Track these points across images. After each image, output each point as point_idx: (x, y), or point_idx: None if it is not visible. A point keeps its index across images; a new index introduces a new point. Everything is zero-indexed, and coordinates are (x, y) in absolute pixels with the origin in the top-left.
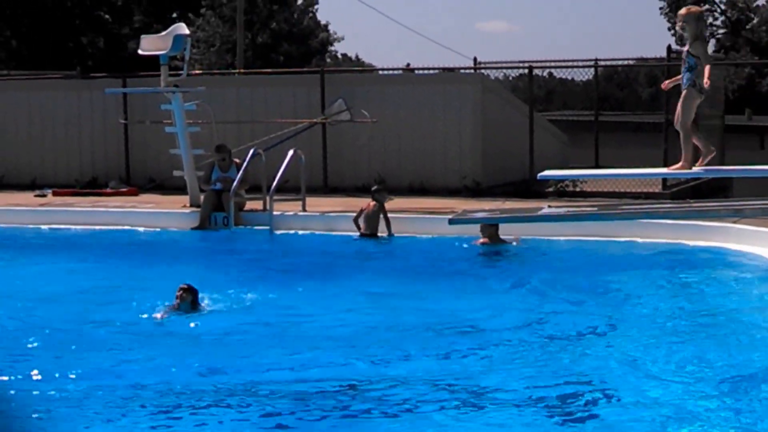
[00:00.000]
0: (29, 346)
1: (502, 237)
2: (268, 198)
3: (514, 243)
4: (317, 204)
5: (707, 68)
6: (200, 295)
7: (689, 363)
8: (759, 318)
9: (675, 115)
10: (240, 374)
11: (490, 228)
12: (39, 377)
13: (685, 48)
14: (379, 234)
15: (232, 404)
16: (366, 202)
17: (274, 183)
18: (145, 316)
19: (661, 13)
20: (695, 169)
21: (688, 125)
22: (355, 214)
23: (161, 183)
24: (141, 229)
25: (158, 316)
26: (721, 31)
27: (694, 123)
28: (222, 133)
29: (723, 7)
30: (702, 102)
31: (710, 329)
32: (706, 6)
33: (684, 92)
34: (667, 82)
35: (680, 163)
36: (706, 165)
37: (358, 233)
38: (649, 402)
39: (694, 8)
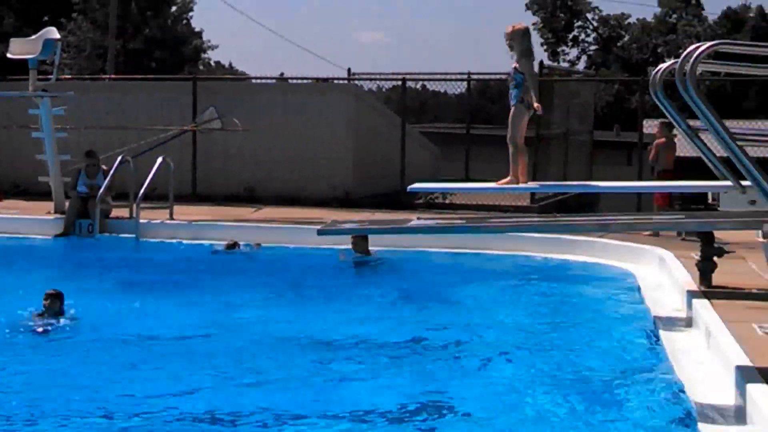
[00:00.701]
0: None
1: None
2: (134, 205)
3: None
4: (185, 212)
5: (533, 91)
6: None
7: (531, 373)
8: (614, 328)
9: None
10: (94, 388)
11: (362, 242)
12: None
13: (512, 65)
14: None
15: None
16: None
17: (142, 190)
18: (3, 324)
19: (534, 29)
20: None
21: (519, 141)
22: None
23: (26, 188)
24: (3, 235)
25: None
26: (593, 47)
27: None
28: (91, 139)
29: (595, 23)
30: (572, 118)
31: (563, 341)
32: (579, 22)
33: (513, 109)
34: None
35: (508, 178)
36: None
37: (224, 243)
38: (501, 410)
39: (519, 25)
